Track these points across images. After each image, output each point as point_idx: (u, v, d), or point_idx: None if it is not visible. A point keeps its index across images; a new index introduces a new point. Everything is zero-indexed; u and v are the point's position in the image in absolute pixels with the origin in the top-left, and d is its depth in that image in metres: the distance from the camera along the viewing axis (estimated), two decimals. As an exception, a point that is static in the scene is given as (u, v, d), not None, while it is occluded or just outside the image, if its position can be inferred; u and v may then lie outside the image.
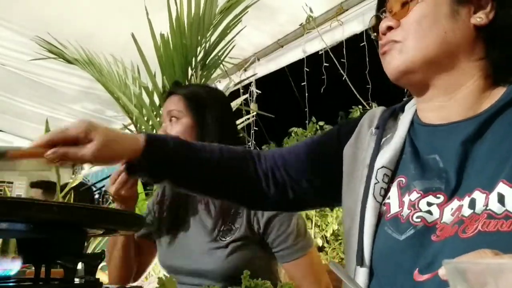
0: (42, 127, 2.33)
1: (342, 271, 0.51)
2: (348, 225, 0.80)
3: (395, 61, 0.74)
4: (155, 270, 2.16)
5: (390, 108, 0.87)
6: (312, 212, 3.05)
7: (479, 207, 0.63)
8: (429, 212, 0.68)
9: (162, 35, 2.29)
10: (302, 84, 2.76)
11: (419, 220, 0.68)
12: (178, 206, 1.36)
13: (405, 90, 1.07)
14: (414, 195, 0.71)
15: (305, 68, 2.71)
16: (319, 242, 3.16)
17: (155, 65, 2.39)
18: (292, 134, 3.41)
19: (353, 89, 2.50)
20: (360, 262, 0.72)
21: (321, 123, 3.27)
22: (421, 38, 0.72)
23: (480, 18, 0.71)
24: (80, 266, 0.79)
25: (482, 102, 0.72)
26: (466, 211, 0.64)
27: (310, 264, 1.26)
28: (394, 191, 0.74)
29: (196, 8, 2.30)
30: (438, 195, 0.69)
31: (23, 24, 2.83)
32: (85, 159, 0.74)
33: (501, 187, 0.62)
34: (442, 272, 0.37)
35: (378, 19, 0.80)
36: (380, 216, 0.74)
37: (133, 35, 2.26)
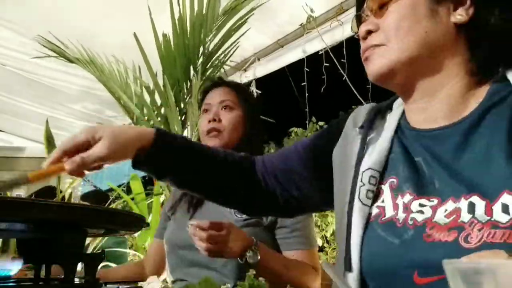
0: (42, 127, 2.33)
1: (334, 272, 0.50)
2: (337, 228, 0.78)
3: (376, 64, 0.72)
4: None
5: (377, 106, 0.85)
6: (312, 212, 3.04)
7: (480, 213, 0.60)
8: (420, 211, 0.66)
9: (164, 35, 2.29)
10: (302, 84, 2.76)
11: (411, 222, 0.66)
12: None
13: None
14: (407, 197, 0.69)
15: (305, 68, 2.71)
16: (319, 242, 3.16)
17: (157, 64, 2.39)
18: (292, 134, 3.41)
19: (353, 89, 2.50)
20: (349, 266, 0.70)
21: (321, 123, 3.27)
22: (402, 40, 0.70)
23: (460, 15, 0.70)
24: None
25: (468, 101, 0.70)
26: (466, 217, 0.61)
27: (309, 260, 1.29)
28: (387, 193, 0.72)
29: (199, 9, 2.30)
30: (432, 199, 0.66)
31: (23, 24, 2.83)
32: (101, 156, 0.75)
33: (505, 198, 0.60)
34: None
35: (360, 18, 0.79)
36: (369, 220, 0.71)
37: (135, 35, 2.26)
